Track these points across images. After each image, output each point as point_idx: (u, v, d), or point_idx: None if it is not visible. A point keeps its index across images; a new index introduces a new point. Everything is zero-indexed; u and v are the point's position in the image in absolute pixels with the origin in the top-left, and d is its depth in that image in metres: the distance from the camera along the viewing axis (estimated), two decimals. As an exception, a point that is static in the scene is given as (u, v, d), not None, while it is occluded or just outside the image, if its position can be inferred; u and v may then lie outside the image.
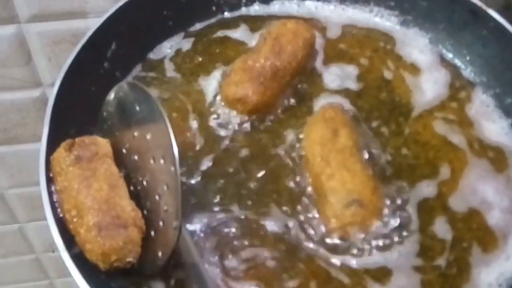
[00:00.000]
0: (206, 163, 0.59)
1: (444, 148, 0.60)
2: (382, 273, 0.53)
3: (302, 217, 0.55)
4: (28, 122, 0.89)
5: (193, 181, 0.58)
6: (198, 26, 0.70)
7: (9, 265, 1.21)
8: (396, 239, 0.54)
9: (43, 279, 1.28)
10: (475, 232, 0.55)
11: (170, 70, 0.66)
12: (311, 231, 0.55)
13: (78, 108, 0.59)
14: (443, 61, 0.67)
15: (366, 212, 0.54)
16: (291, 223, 0.55)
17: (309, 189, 0.57)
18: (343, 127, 0.58)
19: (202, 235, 0.54)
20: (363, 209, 0.54)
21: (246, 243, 0.54)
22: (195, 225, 0.55)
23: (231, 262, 0.53)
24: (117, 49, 0.63)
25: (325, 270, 0.53)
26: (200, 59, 0.67)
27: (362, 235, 0.54)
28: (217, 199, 0.57)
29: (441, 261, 0.54)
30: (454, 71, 0.66)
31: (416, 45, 0.68)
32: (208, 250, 0.53)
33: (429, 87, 0.64)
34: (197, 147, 0.60)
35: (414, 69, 0.66)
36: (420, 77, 0.65)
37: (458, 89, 0.65)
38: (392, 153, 0.60)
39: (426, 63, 0.66)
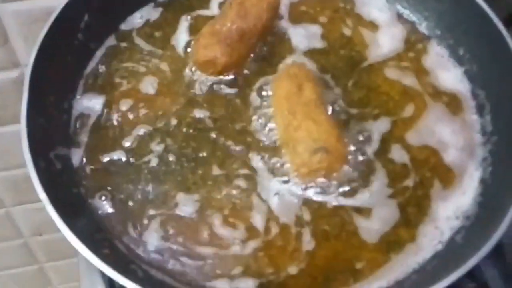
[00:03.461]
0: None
1: (402, 96, 0.64)
2: (362, 211, 0.57)
3: (274, 167, 0.59)
4: (8, 104, 0.89)
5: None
6: (168, -5, 0.72)
7: (-3, 251, 1.22)
8: (362, 181, 0.58)
9: (32, 263, 1.28)
10: (433, 168, 0.59)
11: (141, 39, 0.68)
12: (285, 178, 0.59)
13: (56, 79, 0.62)
14: (400, 18, 0.70)
15: (332, 158, 0.58)
16: (265, 172, 0.59)
17: (279, 141, 0.60)
18: (307, 82, 0.61)
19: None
20: (329, 155, 0.57)
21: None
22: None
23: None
24: (89, 21, 0.65)
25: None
26: (168, 28, 0.69)
27: (331, 181, 0.58)
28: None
29: (409, 182, 0.59)
30: (411, 26, 0.70)
31: (375, 4, 0.71)
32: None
33: (386, 41, 0.68)
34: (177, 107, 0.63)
35: (373, 26, 0.69)
36: (378, 33, 0.69)
37: (414, 42, 0.68)
38: (353, 104, 0.63)
39: (384, 21, 0.70)
